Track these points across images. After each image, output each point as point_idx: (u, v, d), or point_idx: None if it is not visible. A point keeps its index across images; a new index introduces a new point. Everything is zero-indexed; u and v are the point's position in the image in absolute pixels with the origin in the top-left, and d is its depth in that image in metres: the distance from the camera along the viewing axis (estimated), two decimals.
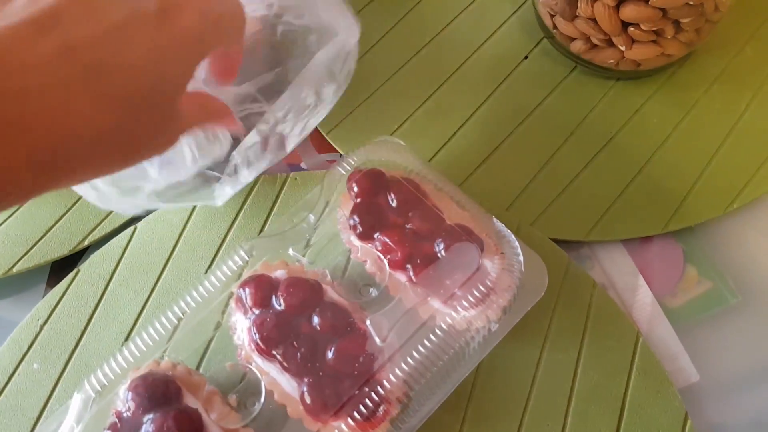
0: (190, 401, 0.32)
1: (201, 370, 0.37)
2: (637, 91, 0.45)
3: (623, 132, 0.44)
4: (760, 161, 0.42)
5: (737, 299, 0.39)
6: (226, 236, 0.42)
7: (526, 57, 0.47)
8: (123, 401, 0.32)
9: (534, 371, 0.37)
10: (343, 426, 0.31)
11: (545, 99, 0.45)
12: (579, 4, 0.41)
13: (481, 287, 0.34)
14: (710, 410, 0.36)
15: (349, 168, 0.38)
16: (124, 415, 0.31)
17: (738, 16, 0.47)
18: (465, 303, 0.33)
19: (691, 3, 0.38)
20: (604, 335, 0.38)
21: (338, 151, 0.45)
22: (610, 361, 0.37)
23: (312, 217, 0.38)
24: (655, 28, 0.40)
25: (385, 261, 0.35)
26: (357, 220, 0.36)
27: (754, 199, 0.41)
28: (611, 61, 0.43)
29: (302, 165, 0.46)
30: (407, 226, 0.36)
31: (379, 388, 0.32)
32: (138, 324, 0.39)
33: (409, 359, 0.32)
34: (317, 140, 0.46)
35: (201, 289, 0.35)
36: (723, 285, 0.40)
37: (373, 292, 0.37)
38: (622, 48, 0.42)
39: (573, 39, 0.44)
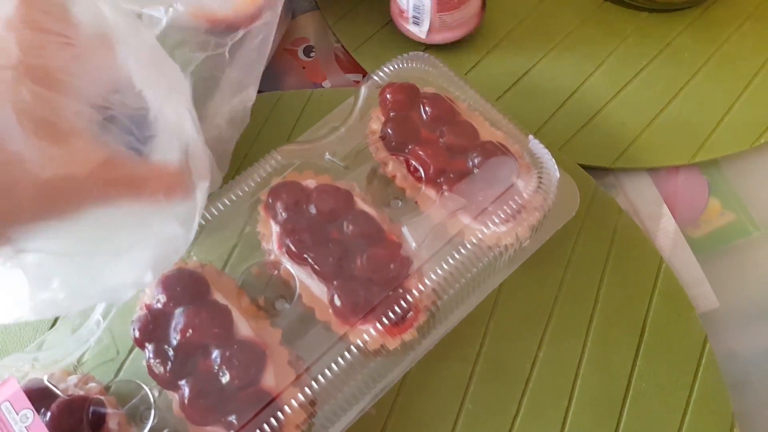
0: (220, 299, 0.32)
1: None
2: (669, 24, 0.45)
3: (654, 63, 0.43)
4: None
5: (759, 232, 0.40)
6: (250, 148, 0.41)
7: None
8: (152, 295, 0.32)
9: (556, 291, 0.37)
10: (371, 329, 0.31)
11: (577, 27, 0.45)
12: None
13: (513, 205, 0.33)
14: (728, 336, 0.37)
15: (381, 82, 0.38)
16: (154, 307, 0.31)
17: None
18: (496, 219, 0.33)
19: None
20: (628, 259, 0.38)
21: (365, 71, 0.45)
22: (632, 284, 0.37)
23: (342, 129, 0.38)
24: None
25: (422, 172, 0.35)
26: (389, 132, 0.36)
27: None
28: None
29: (325, 84, 0.45)
30: (441, 141, 0.36)
31: (408, 296, 0.32)
32: None
33: (438, 270, 0.32)
34: (343, 59, 0.46)
35: (228, 194, 0.35)
36: (745, 217, 0.40)
37: (402, 205, 0.37)
38: None
39: None
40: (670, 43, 0.44)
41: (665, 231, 0.39)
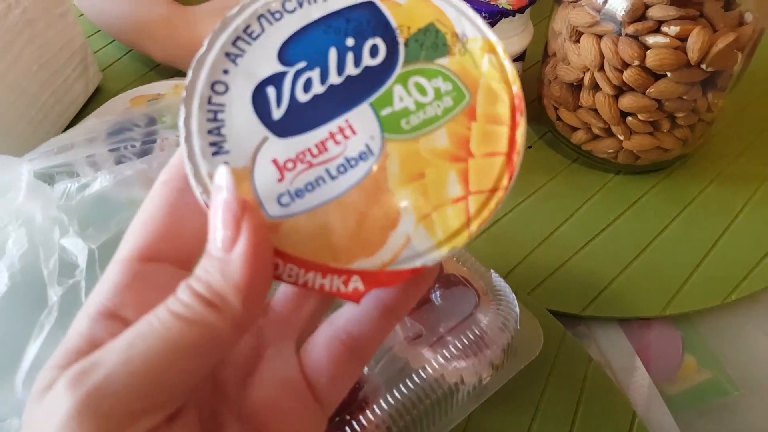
0: None
1: None
2: (635, 185, 0.47)
3: (621, 219, 0.45)
4: (757, 258, 0.42)
5: (738, 392, 0.37)
6: None
7: (530, 147, 0.50)
8: None
9: None
10: None
11: (547, 183, 0.47)
12: (581, 94, 0.44)
13: (470, 336, 0.33)
14: None
15: None
16: None
17: (734, 127, 0.50)
18: (453, 350, 0.32)
19: (685, 98, 0.41)
20: (599, 411, 0.36)
21: None
22: None
23: None
24: (651, 119, 0.42)
25: None
26: None
27: (752, 293, 0.41)
28: (610, 150, 0.45)
29: None
30: None
31: (361, 418, 0.30)
32: None
33: (389, 398, 0.31)
34: None
35: None
36: (722, 376, 0.38)
37: None
38: (621, 137, 0.44)
39: (575, 129, 0.46)
40: (636, 201, 0.46)
41: (639, 386, 0.37)
